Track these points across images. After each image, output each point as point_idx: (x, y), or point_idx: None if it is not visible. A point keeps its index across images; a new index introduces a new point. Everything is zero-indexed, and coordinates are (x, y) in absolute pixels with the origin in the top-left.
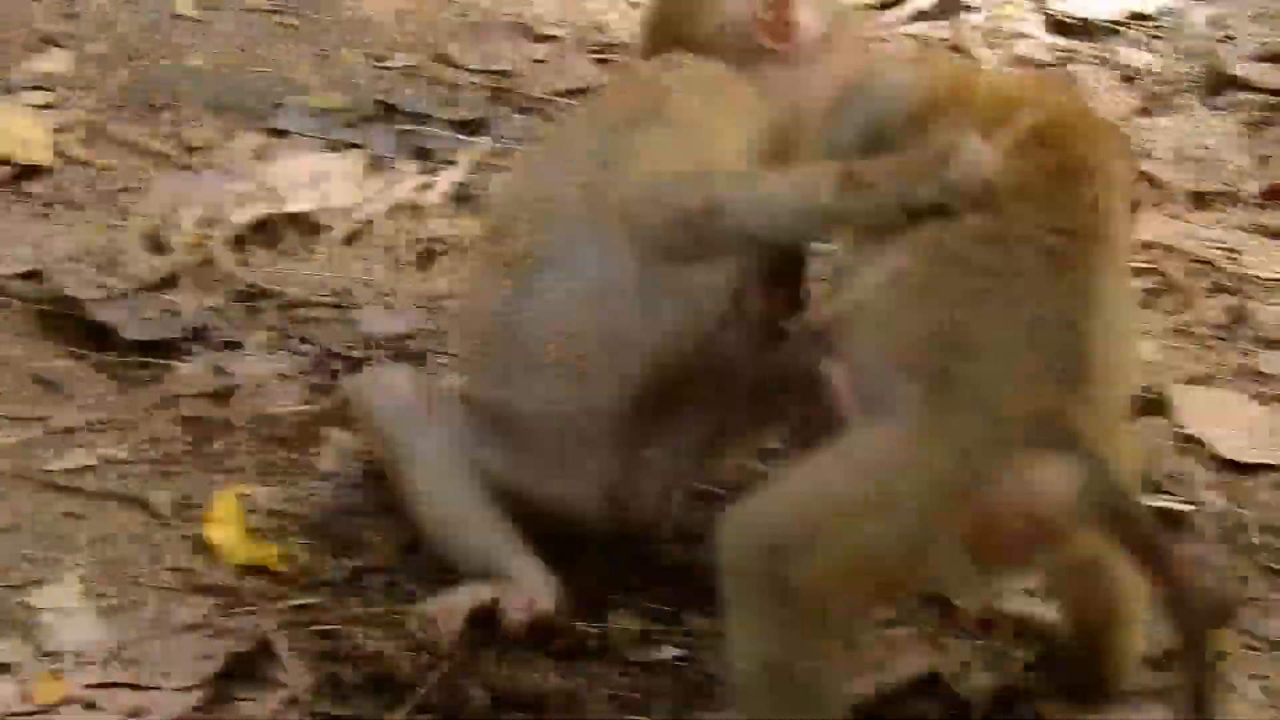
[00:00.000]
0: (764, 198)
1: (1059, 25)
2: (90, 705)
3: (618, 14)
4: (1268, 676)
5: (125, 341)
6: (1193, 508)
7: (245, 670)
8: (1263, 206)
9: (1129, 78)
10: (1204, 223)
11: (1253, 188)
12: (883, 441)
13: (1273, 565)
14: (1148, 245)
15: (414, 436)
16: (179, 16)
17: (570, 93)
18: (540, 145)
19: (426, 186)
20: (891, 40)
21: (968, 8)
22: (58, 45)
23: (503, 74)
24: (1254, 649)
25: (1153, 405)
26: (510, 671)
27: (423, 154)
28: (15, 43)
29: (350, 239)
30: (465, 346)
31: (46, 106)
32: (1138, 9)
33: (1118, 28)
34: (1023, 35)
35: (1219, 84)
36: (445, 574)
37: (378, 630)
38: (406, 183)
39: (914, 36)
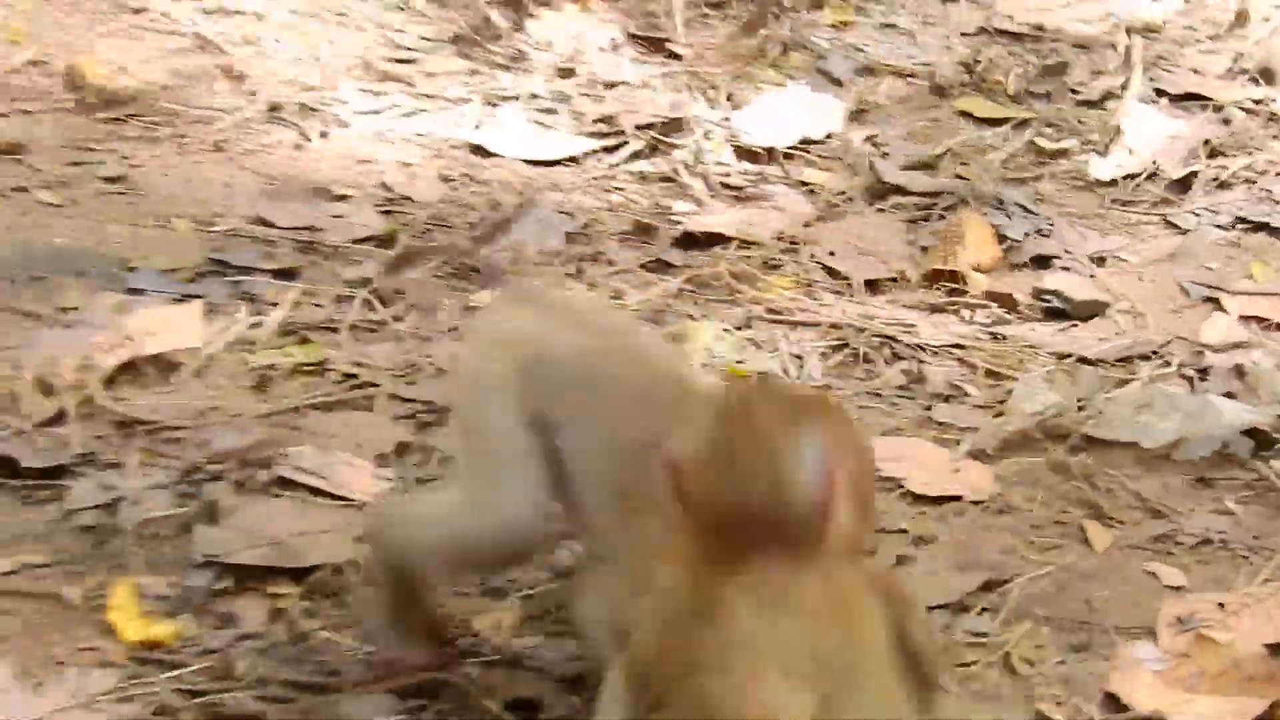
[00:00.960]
0: None
1: (749, 154)
2: None
3: (396, 174)
4: None
5: (27, 469)
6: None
7: None
8: (926, 288)
9: (809, 191)
10: (880, 304)
11: (916, 273)
12: None
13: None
14: (837, 325)
15: None
16: (41, 203)
17: (364, 240)
18: None
19: (256, 325)
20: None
21: (674, 145)
22: None
23: (309, 229)
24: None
25: None
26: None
27: (251, 299)
28: None
29: (199, 372)
30: None
31: None
32: (809, 136)
33: (795, 152)
34: (720, 164)
35: (881, 191)
36: (305, 638)
37: (254, 688)
38: (240, 323)
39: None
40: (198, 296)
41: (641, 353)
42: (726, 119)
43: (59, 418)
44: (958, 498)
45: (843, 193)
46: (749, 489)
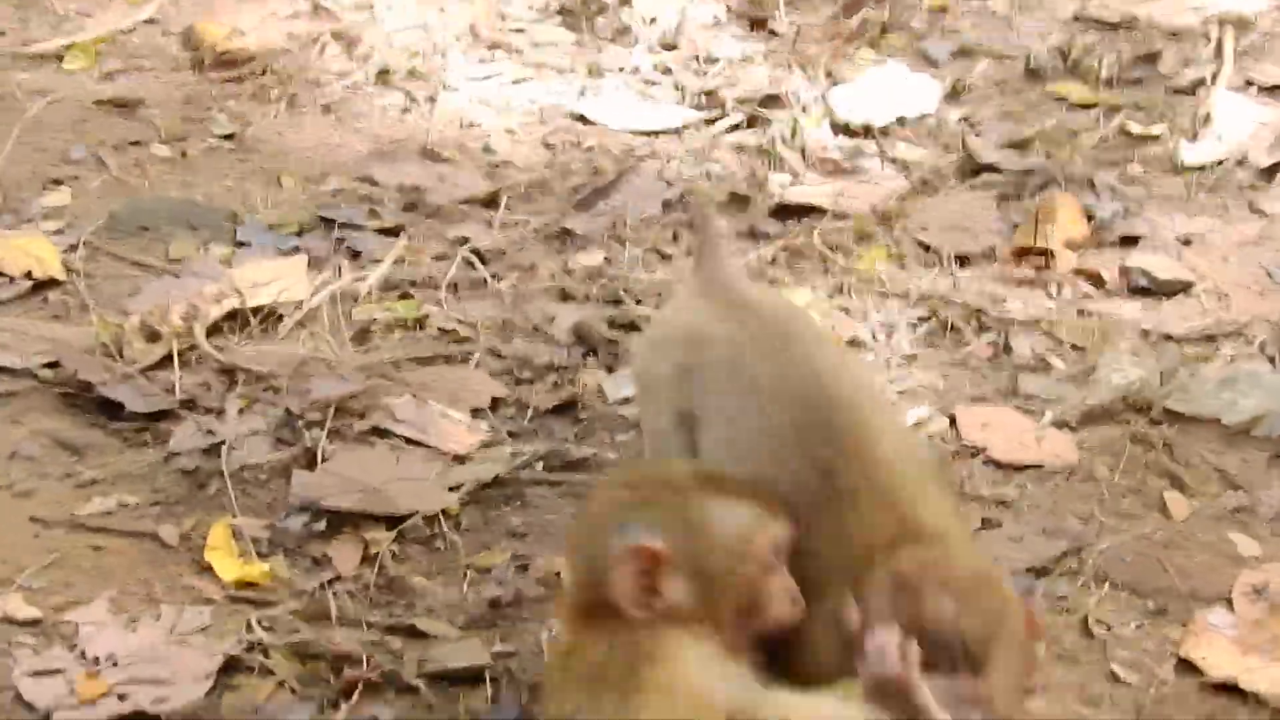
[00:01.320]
0: None
1: (845, 129)
2: (123, 697)
3: (500, 139)
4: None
5: (131, 413)
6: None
7: (243, 664)
8: (1015, 264)
9: (903, 167)
10: (970, 278)
11: (1005, 249)
12: None
13: None
14: (927, 297)
15: None
16: (156, 157)
17: (467, 201)
18: None
19: (359, 280)
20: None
21: (772, 120)
22: (62, 184)
23: (413, 189)
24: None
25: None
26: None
27: (355, 255)
28: (29, 184)
29: (302, 323)
30: None
31: (57, 232)
32: (905, 114)
33: (890, 129)
34: (817, 139)
35: (973, 169)
36: (396, 583)
37: (345, 629)
38: (343, 278)
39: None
40: (303, 251)
41: (798, 360)
42: (824, 95)
43: (164, 364)
44: (1040, 466)
45: (936, 169)
46: (578, 566)
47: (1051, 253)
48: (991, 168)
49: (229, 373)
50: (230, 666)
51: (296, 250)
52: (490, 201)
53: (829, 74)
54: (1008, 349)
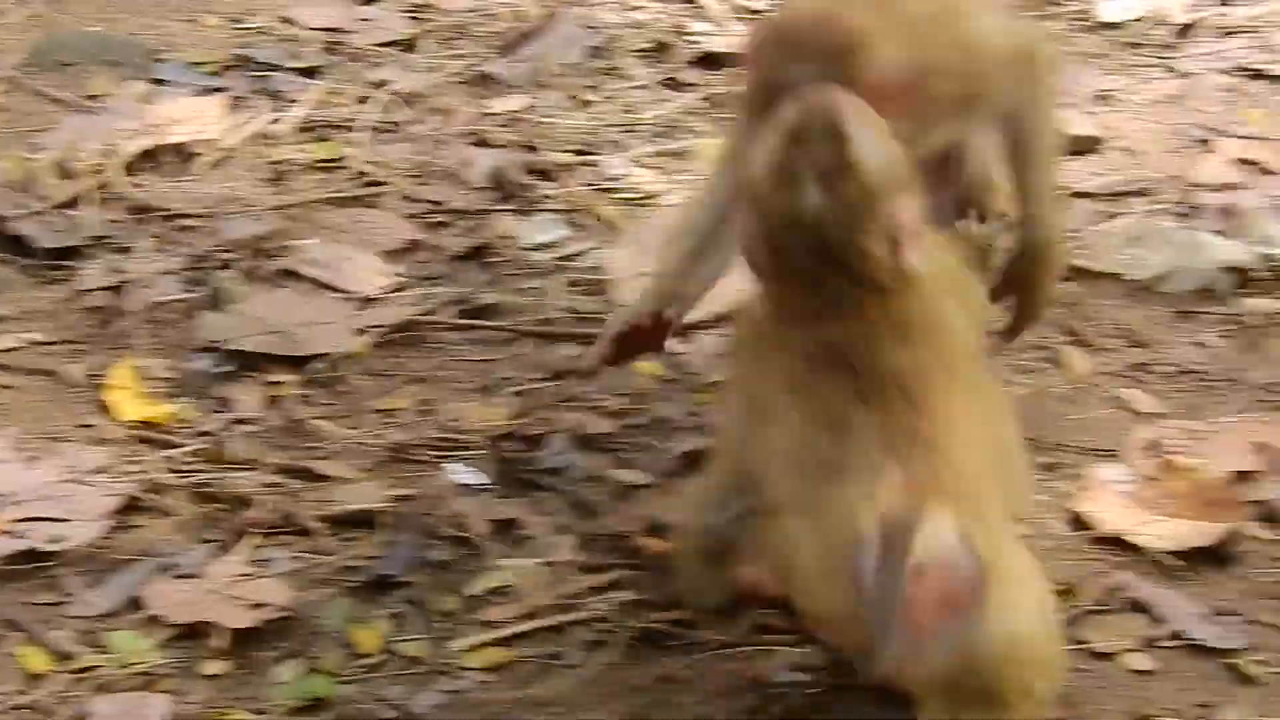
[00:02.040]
0: None
1: None
2: (19, 536)
3: None
4: None
5: (40, 249)
6: None
7: (141, 505)
8: None
9: None
10: None
11: None
12: None
13: None
14: None
15: None
16: None
17: (389, 44)
18: None
19: (277, 120)
20: None
21: None
22: None
23: (335, 30)
24: None
25: None
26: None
27: (274, 95)
28: None
29: (218, 163)
30: None
31: None
32: None
33: None
34: None
35: None
36: (298, 425)
37: (245, 470)
38: (261, 118)
39: None
40: (221, 90)
41: None
42: None
43: (75, 201)
44: None
45: None
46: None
47: None
48: None
49: (142, 211)
50: (129, 507)
51: (216, 89)
52: (411, 45)
53: None
54: None
